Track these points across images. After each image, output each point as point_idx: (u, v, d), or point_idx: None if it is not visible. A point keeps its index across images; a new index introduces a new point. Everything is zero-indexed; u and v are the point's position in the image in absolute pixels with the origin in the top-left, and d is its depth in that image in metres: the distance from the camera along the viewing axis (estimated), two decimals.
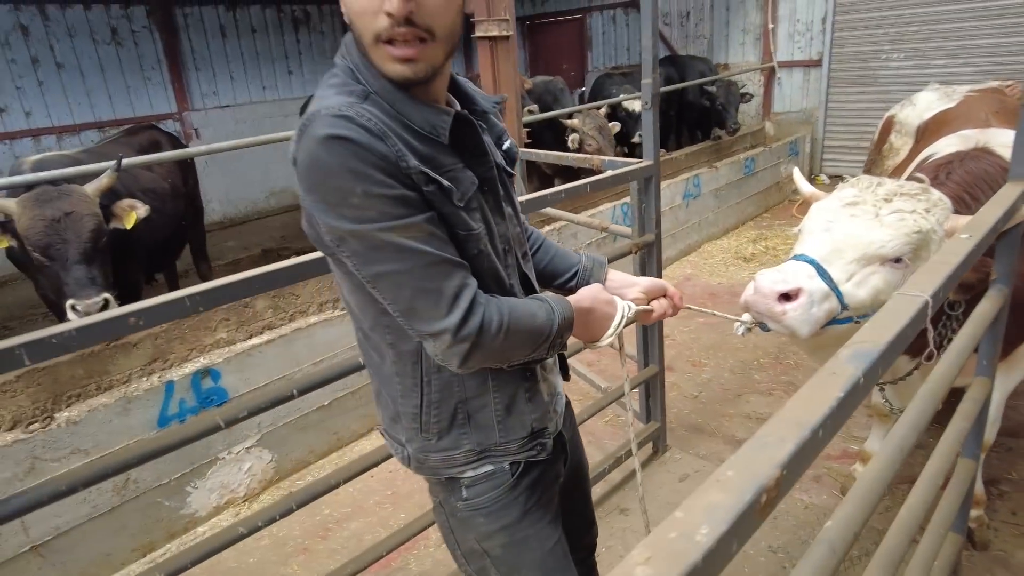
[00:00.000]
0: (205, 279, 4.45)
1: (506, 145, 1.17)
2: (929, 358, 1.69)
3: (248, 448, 2.74)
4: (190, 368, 2.57)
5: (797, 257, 1.60)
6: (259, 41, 7.68)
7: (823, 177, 7.43)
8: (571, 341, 1.17)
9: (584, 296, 1.17)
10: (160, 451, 1.33)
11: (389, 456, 1.93)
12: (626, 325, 1.23)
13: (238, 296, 1.35)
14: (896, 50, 6.81)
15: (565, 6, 9.76)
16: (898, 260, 1.56)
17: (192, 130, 7.09)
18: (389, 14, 0.88)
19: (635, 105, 5.97)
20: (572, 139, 5.26)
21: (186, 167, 4.30)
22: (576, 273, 1.35)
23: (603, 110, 5.50)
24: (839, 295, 1.53)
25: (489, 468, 1.16)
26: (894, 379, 2.10)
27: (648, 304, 1.30)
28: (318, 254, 1.57)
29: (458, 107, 1.06)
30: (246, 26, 7.53)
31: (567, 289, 1.34)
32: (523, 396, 1.16)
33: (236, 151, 4.59)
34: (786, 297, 1.48)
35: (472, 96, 1.12)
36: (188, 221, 4.21)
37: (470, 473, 1.15)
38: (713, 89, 6.83)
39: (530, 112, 5.01)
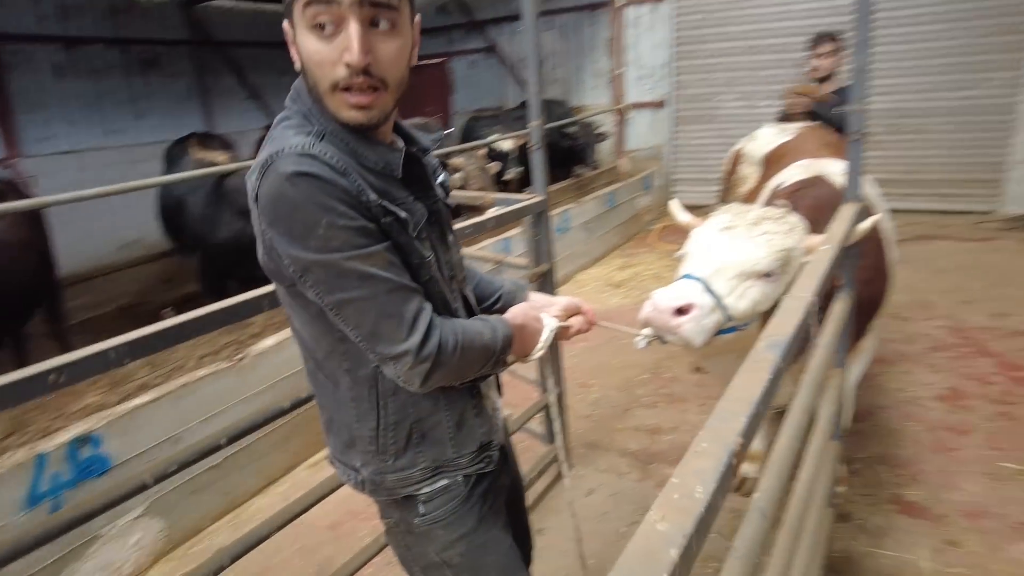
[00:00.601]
0: (61, 340, 4.02)
1: (440, 179, 1.26)
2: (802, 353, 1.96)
3: (135, 518, 2.52)
4: (66, 436, 2.33)
5: (686, 276, 1.80)
6: (103, 83, 7.14)
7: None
8: None
9: (516, 313, 1.26)
10: (70, 525, 1.23)
11: (303, 511, 1.88)
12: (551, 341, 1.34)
13: (183, 338, 1.30)
14: (729, 92, 7.71)
15: (427, 51, 10.01)
16: (769, 274, 1.80)
17: (26, 178, 6.40)
18: (348, 65, 0.96)
19: (505, 145, 6.26)
20: (457, 179, 5.43)
21: (34, 218, 3.90)
22: (500, 297, 1.45)
23: (481, 151, 5.74)
24: (724, 307, 1.74)
25: (444, 482, 1.22)
26: None
27: (566, 321, 1.42)
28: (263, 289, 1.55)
29: (401, 145, 1.14)
30: (87, 66, 6.99)
31: (493, 311, 1.43)
32: (471, 412, 1.24)
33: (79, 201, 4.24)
34: (680, 311, 1.66)
35: (412, 135, 1.20)
36: (40, 278, 3.80)
37: (426, 489, 1.20)
38: (573, 130, 7.33)
39: None
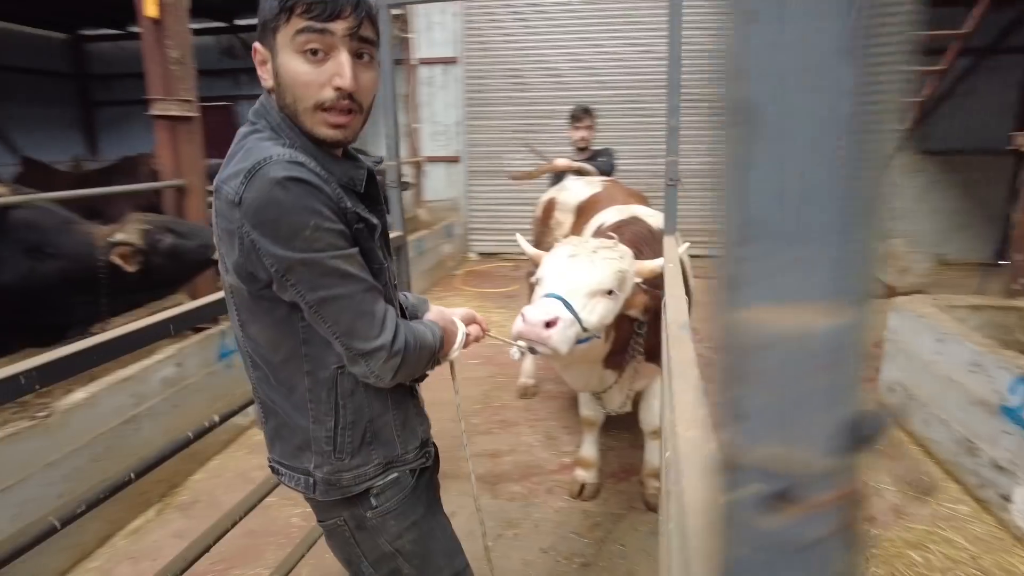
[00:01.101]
0: None
1: None
2: (620, 366, 2.32)
3: None
4: None
5: (548, 295, 2.07)
6: None
7: (472, 255, 8.66)
8: None
9: (436, 318, 1.41)
10: None
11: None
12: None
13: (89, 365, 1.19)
14: (517, 150, 8.50)
15: (209, 92, 9.47)
16: (611, 292, 2.15)
17: None
18: (338, 88, 1.07)
19: None
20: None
21: None
22: (407, 308, 1.54)
23: None
24: (580, 320, 2.04)
25: (395, 475, 1.31)
26: (604, 390, 2.75)
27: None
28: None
29: (365, 163, 1.25)
30: None
31: None
32: (413, 411, 1.36)
33: None
34: (548, 324, 1.93)
35: (358, 157, 1.31)
36: None
37: (379, 482, 1.28)
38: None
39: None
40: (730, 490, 0.32)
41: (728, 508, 0.32)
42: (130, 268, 2.98)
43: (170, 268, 3.25)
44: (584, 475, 3.10)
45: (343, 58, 1.08)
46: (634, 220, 2.74)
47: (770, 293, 0.28)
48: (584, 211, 3.43)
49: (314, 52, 1.07)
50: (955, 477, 3.04)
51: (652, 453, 3.00)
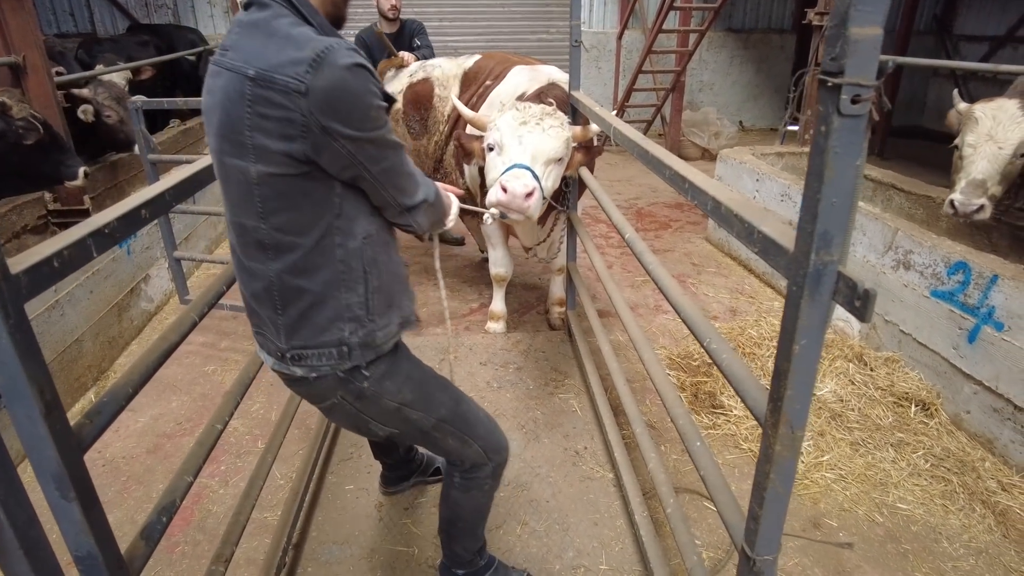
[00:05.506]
0: None
1: None
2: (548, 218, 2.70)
3: None
4: None
5: (517, 165, 2.27)
6: None
7: None
8: None
9: (437, 186, 1.52)
10: None
11: None
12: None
13: None
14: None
15: None
16: (561, 159, 2.39)
17: None
18: None
19: (145, 75, 5.65)
20: (85, 111, 4.73)
21: None
22: None
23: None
24: (543, 188, 2.29)
25: (373, 355, 1.39)
26: (539, 242, 3.18)
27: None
28: None
29: None
30: None
31: None
32: (405, 283, 1.48)
33: None
34: (528, 195, 2.19)
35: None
36: None
37: (369, 356, 1.38)
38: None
39: (59, 74, 4.32)
40: None
41: None
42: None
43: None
44: (495, 327, 3.51)
45: None
46: (554, 87, 2.94)
47: None
48: (474, 78, 3.46)
49: None
50: (770, 284, 4.02)
51: (556, 286, 3.58)
